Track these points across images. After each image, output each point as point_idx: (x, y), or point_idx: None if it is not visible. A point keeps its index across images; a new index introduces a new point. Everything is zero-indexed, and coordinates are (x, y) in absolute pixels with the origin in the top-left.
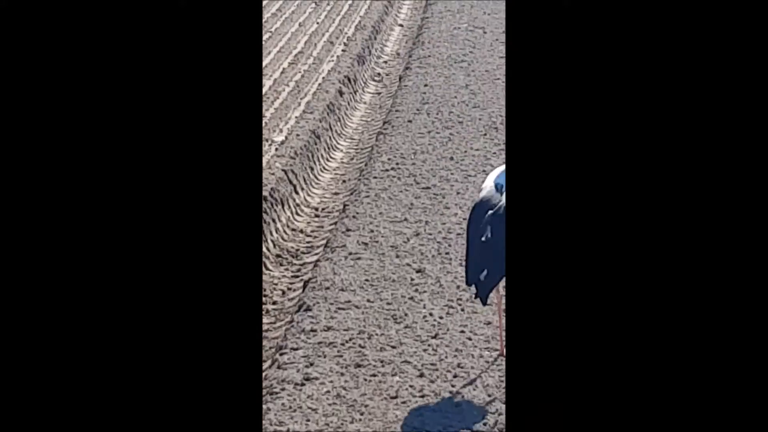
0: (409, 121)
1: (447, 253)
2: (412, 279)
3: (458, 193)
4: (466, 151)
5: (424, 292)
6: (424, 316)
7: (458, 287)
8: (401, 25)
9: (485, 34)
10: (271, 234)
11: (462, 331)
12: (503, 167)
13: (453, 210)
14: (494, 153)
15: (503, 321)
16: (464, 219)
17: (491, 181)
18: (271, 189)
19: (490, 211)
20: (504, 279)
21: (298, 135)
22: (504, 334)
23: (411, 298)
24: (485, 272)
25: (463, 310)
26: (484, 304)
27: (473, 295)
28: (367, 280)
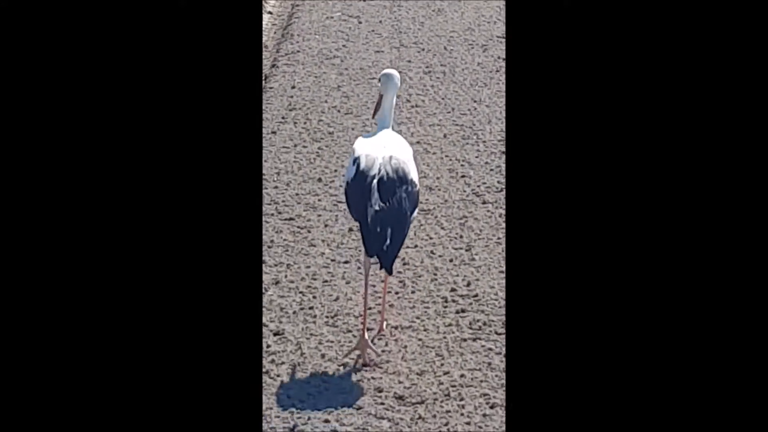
0: (273, 132)
1: (311, 308)
2: (267, 345)
3: (326, 225)
4: (336, 171)
5: (282, 363)
6: (280, 401)
7: (323, 356)
8: (270, 13)
9: (360, 25)
10: None
11: (326, 420)
12: (365, 135)
13: (320, 248)
14: None
15: (385, 297)
16: (332, 260)
17: (362, 150)
18: None
19: (374, 181)
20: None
21: None
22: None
23: (265, 373)
24: (388, 241)
25: (327, 389)
26: (390, 273)
27: (377, 266)
28: None
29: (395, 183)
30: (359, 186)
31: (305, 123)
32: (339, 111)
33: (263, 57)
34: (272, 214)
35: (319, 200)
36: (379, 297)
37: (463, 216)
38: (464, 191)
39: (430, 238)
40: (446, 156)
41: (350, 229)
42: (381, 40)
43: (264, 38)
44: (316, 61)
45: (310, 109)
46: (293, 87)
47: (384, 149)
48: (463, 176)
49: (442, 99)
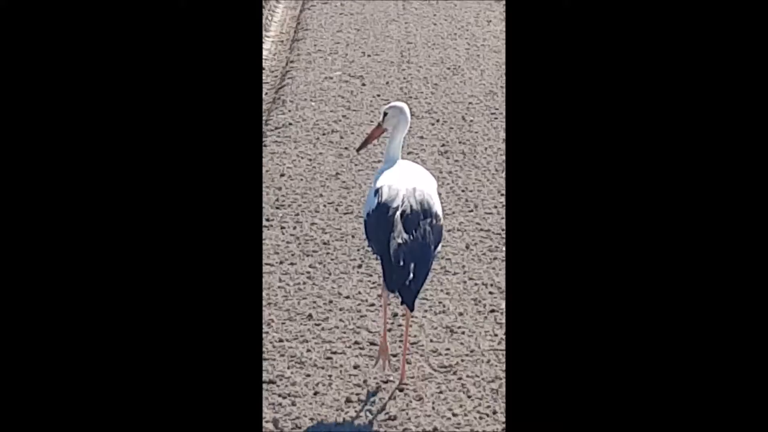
0: None
1: None
2: None
3: (316, 392)
4: (331, 301)
5: None
6: None
7: None
8: (262, 69)
9: (364, 88)
10: None
11: None
12: (384, 169)
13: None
14: (371, 304)
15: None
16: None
17: (385, 180)
18: None
19: (397, 213)
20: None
21: None
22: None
23: None
24: (411, 276)
25: None
26: (412, 310)
27: (398, 301)
28: None
29: (419, 215)
30: (381, 218)
31: (294, 228)
32: (337, 209)
33: None
34: None
35: (308, 351)
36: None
37: (495, 376)
38: (494, 335)
39: (454, 416)
40: (470, 279)
41: (347, 400)
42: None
43: None
44: (311, 137)
45: (301, 206)
46: (282, 175)
47: (407, 180)
48: (492, 311)
49: (462, 191)
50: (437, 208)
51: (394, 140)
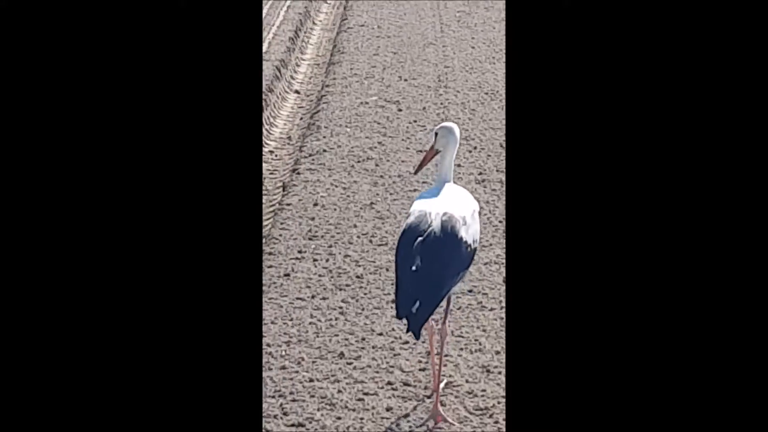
0: (286, 275)
1: None
2: None
3: None
4: (364, 339)
5: None
6: None
7: None
8: (297, 92)
9: (400, 113)
10: None
11: None
12: (428, 190)
13: None
14: (404, 342)
15: (435, 355)
16: None
17: (417, 206)
18: None
19: (420, 238)
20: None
21: None
22: (438, 369)
23: None
24: (417, 304)
25: None
26: (417, 338)
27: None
28: None
29: (442, 242)
30: (406, 244)
31: (327, 260)
32: (371, 241)
33: (285, 153)
34: (275, 417)
35: (339, 392)
36: None
37: None
38: None
39: None
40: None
41: None
42: (424, 134)
43: (287, 126)
44: (346, 164)
45: (334, 237)
46: (315, 204)
47: (440, 205)
48: None
49: (500, 222)
50: (466, 233)
51: (444, 161)
